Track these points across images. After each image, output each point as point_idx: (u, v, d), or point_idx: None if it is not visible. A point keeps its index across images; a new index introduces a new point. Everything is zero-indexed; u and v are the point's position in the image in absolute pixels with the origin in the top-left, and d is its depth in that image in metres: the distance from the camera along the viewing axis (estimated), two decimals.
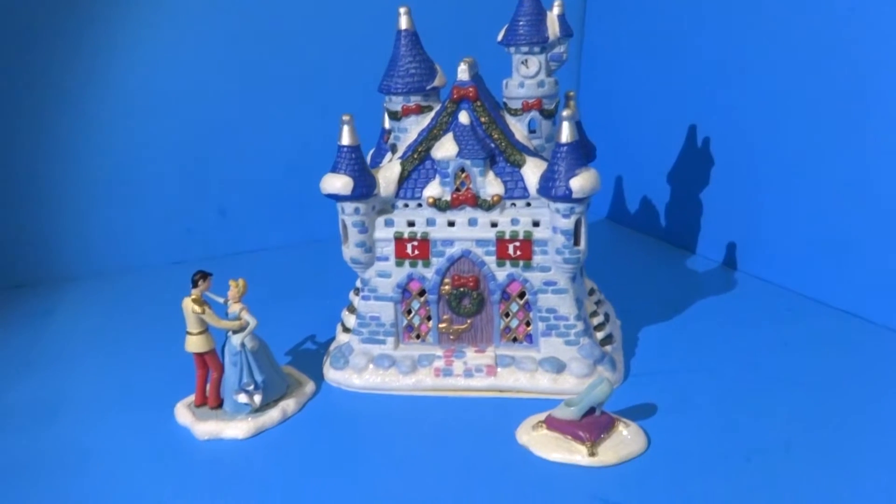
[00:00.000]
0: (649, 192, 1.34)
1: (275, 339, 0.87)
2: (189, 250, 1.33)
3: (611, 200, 1.42)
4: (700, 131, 1.21)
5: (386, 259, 0.86)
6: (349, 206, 0.83)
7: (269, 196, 1.37)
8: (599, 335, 0.88)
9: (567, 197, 0.78)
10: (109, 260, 1.30)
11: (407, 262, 0.85)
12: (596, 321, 0.88)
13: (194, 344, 0.82)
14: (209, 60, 1.27)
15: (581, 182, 0.77)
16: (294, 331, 1.02)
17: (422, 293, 0.87)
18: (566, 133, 0.78)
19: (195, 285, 0.81)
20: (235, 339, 0.80)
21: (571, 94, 0.91)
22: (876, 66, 0.94)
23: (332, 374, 0.89)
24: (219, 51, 1.27)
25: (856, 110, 0.97)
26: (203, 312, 0.79)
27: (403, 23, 0.85)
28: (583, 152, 0.82)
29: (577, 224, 0.80)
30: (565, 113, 0.78)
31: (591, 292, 0.94)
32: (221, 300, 0.83)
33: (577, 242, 0.81)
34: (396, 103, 0.86)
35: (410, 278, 0.86)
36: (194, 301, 0.80)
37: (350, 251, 0.85)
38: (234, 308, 0.81)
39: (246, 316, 0.80)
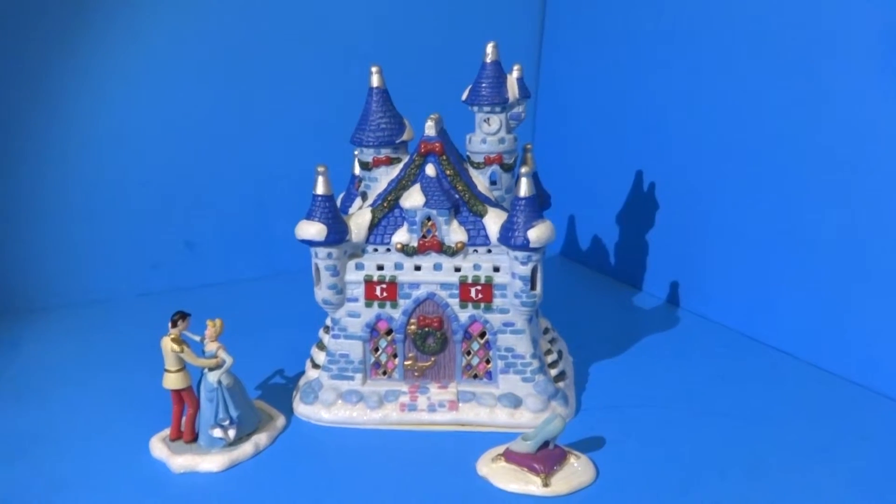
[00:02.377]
0: (600, 232, 1.43)
1: (245, 372, 0.90)
2: (155, 282, 1.36)
3: (564, 238, 1.50)
4: (647, 176, 1.30)
5: (356, 300, 0.91)
6: (322, 251, 0.88)
7: (237, 228, 1.40)
8: (553, 372, 0.94)
9: (525, 246, 0.85)
10: (74, 291, 1.31)
11: (376, 304, 0.91)
12: (550, 359, 0.95)
13: (172, 381, 0.85)
14: (177, 94, 1.30)
15: (538, 233, 0.84)
16: (263, 364, 1.06)
17: (389, 332, 0.92)
18: (524, 188, 0.85)
19: (174, 325, 0.85)
20: (212, 377, 0.85)
21: (529, 146, 0.99)
22: (814, 112, 1.03)
23: (301, 409, 0.94)
24: (187, 85, 1.30)
25: (793, 158, 1.07)
26: (182, 351, 0.84)
27: (375, 81, 0.91)
28: (539, 202, 0.89)
29: (534, 270, 0.87)
30: (523, 170, 0.85)
31: (546, 331, 1.01)
32: (198, 339, 0.87)
33: (533, 287, 0.88)
34: (367, 155, 0.92)
35: (379, 318, 0.92)
36: (173, 340, 0.84)
37: (322, 293, 0.90)
38: (211, 347, 0.85)
39: (223, 354, 0.85)
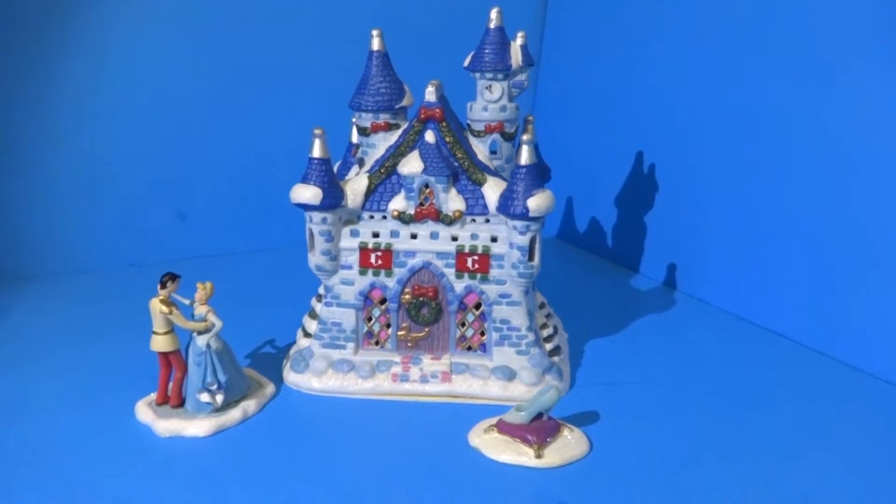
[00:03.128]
0: (597, 214, 1.42)
1: (235, 342, 0.89)
2: (146, 253, 1.33)
3: (561, 220, 1.49)
4: (646, 158, 1.29)
5: (350, 267, 0.89)
6: (317, 216, 0.86)
7: (229, 202, 1.38)
8: (548, 346, 0.93)
9: (524, 215, 0.83)
10: (64, 260, 1.29)
11: (370, 271, 0.89)
12: (545, 333, 0.94)
13: (160, 343, 0.84)
14: (172, 63, 1.28)
15: (538, 202, 0.83)
16: (254, 335, 1.04)
17: (383, 301, 0.91)
18: (525, 156, 0.84)
19: (163, 286, 0.83)
20: (201, 340, 0.83)
21: (530, 118, 0.96)
22: (814, 99, 1.02)
23: (291, 377, 0.92)
24: (183, 54, 1.28)
25: (792, 141, 1.06)
26: (171, 313, 0.82)
27: (375, 44, 0.89)
28: (539, 174, 0.87)
29: (532, 241, 0.85)
30: (525, 137, 0.84)
31: (542, 306, 1.00)
32: (188, 302, 0.85)
33: (531, 258, 0.86)
34: (366, 120, 0.90)
35: (373, 287, 0.90)
36: (162, 302, 0.82)
37: (316, 259, 0.88)
38: (201, 310, 0.83)
39: (212, 318, 0.83)
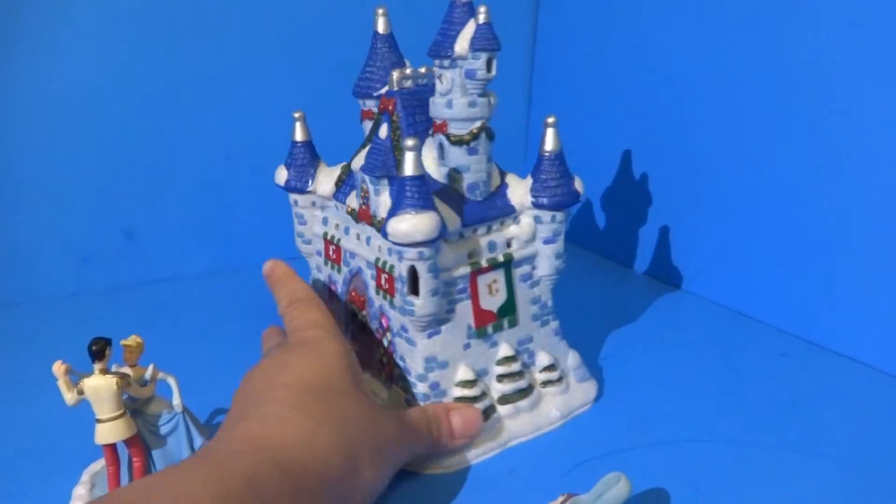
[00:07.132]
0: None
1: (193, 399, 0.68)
2: (88, 280, 1.11)
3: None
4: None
5: (320, 255, 0.87)
6: (290, 198, 0.87)
7: (184, 216, 1.16)
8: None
9: (386, 236, 0.67)
10: None
11: (330, 263, 0.85)
12: (470, 392, 0.73)
13: (116, 430, 0.61)
14: (111, 49, 1.05)
15: (399, 226, 0.65)
16: (219, 384, 0.75)
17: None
18: (409, 165, 0.66)
19: (100, 357, 0.60)
20: (159, 406, 0.66)
21: (550, 120, 0.74)
22: (845, 86, 0.83)
23: None
24: (124, 38, 1.05)
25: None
26: (129, 385, 0.62)
27: (380, 26, 0.81)
28: (426, 192, 0.67)
29: (413, 272, 0.68)
30: (409, 143, 0.66)
31: (509, 360, 0.76)
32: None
33: (412, 292, 0.69)
34: (363, 106, 0.84)
35: (331, 280, 0.86)
36: (108, 373, 0.61)
37: (296, 238, 0.89)
38: (141, 372, 0.65)
39: (162, 375, 0.66)
